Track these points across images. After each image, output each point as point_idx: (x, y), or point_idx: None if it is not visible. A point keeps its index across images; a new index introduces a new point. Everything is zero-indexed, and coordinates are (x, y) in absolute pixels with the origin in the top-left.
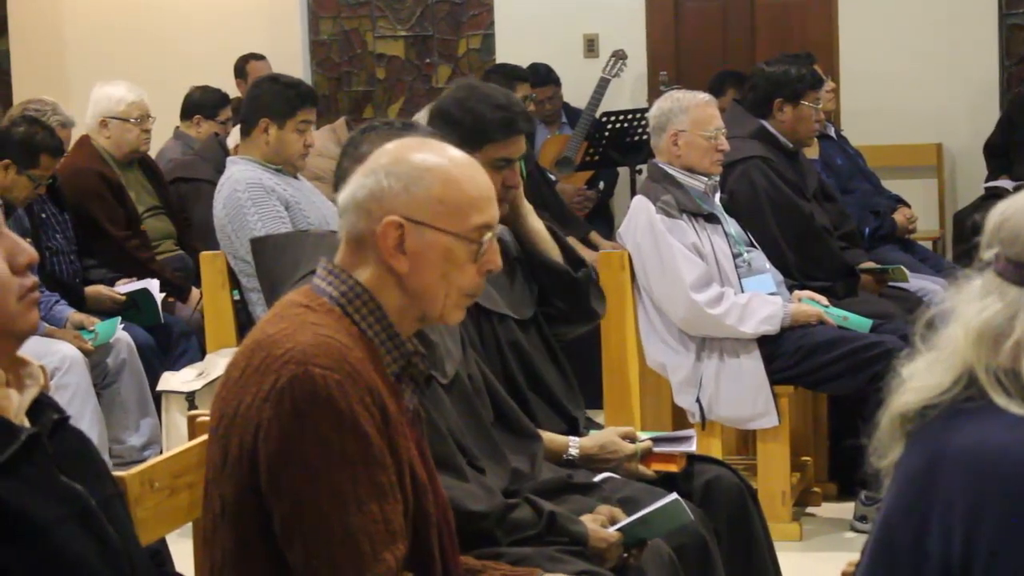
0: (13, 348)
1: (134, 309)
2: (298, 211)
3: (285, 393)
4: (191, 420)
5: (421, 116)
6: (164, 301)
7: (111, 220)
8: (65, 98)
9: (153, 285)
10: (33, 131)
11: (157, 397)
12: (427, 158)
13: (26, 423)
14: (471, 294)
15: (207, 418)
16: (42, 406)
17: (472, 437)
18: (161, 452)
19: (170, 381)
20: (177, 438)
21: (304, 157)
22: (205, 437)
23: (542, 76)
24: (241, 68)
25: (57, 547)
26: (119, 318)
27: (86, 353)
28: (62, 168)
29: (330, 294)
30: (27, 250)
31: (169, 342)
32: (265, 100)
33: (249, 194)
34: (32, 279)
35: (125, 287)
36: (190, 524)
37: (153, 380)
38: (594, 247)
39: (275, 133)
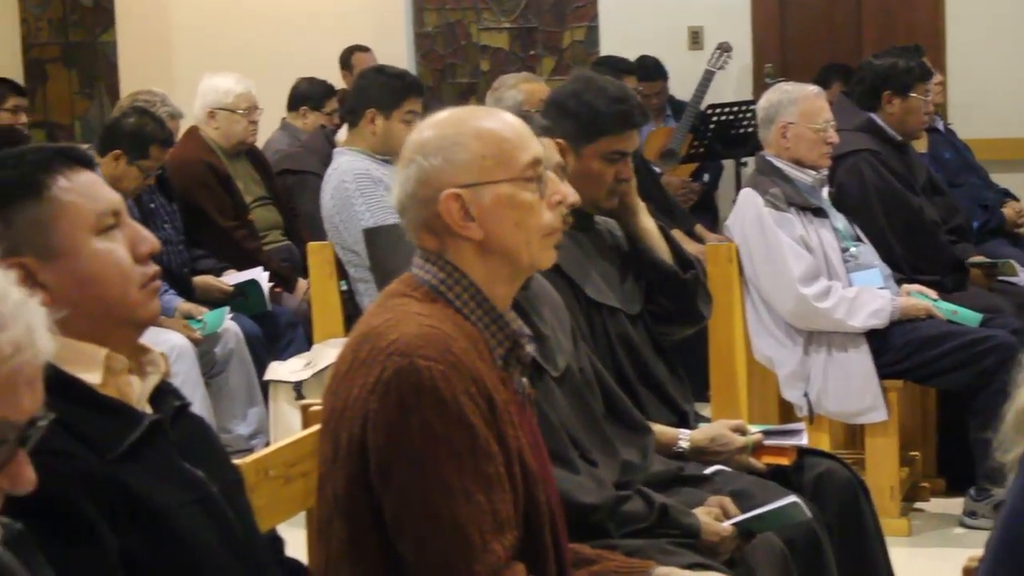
0: (135, 336)
1: (241, 297)
2: None
3: (391, 385)
4: (304, 409)
5: (510, 92)
6: (271, 291)
7: (219, 210)
8: (171, 89)
9: (260, 275)
10: (143, 122)
11: (264, 386)
12: (453, 125)
13: (148, 410)
14: (551, 232)
15: (320, 407)
16: (164, 393)
17: (583, 430)
18: (268, 441)
19: (278, 371)
20: (284, 427)
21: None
22: (318, 426)
23: (650, 70)
24: (346, 60)
25: (179, 532)
26: (227, 308)
27: (195, 342)
28: (171, 159)
29: (429, 282)
30: (149, 239)
31: (276, 332)
32: (371, 91)
33: (357, 184)
34: (154, 268)
35: (233, 278)
36: (302, 513)
37: (260, 370)
38: (699, 240)
39: (381, 124)
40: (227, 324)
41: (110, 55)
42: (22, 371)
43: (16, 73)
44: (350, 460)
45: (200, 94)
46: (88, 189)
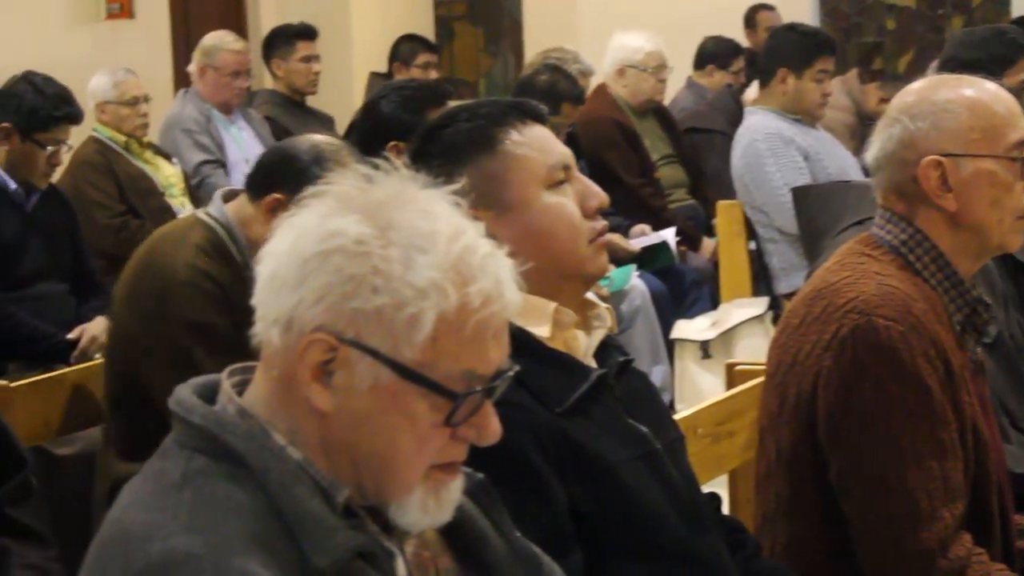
0: (582, 291)
1: (648, 255)
2: (817, 162)
3: (847, 343)
4: (729, 369)
5: (932, 68)
6: (677, 249)
7: (626, 168)
8: (574, 47)
9: (669, 234)
10: (556, 79)
11: (669, 344)
12: (946, 91)
13: (593, 364)
14: None
15: (745, 367)
16: (608, 348)
17: (1014, 398)
18: (672, 399)
19: (684, 329)
20: (690, 386)
21: (822, 107)
22: (745, 386)
23: None
24: (751, 18)
25: (624, 488)
26: (634, 265)
27: (602, 299)
28: (579, 116)
29: (890, 242)
30: (598, 194)
31: (681, 290)
32: (783, 49)
33: (768, 144)
34: (602, 223)
35: (641, 242)
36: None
37: (665, 327)
38: None
39: (793, 83)
40: (633, 281)
41: (515, 13)
42: (490, 323)
43: (427, 30)
44: (797, 415)
45: (610, 51)
46: (540, 143)
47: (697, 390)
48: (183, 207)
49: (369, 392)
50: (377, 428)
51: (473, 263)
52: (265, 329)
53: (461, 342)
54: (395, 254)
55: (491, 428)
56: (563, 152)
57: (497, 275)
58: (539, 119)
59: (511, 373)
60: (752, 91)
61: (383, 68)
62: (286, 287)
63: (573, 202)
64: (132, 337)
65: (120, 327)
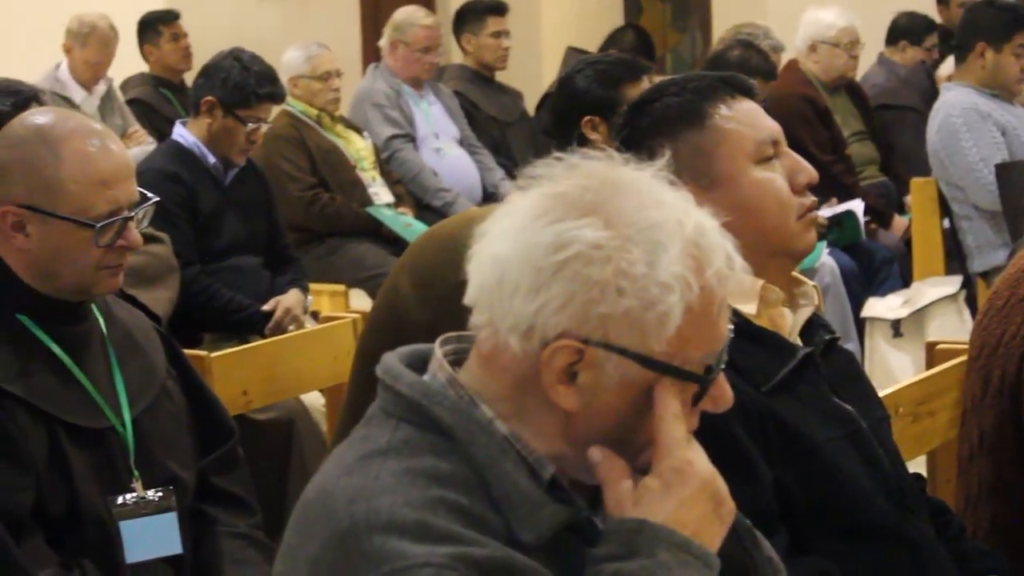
0: (790, 267)
1: (837, 227)
2: (1015, 137)
3: None
4: (930, 348)
5: None
6: (866, 226)
7: (817, 144)
8: (764, 22)
9: (857, 205)
10: (748, 55)
11: (859, 322)
12: None
13: (799, 342)
14: None
15: (946, 346)
16: (815, 326)
17: None
18: None
19: (875, 307)
20: (880, 364)
21: (1021, 82)
22: (945, 365)
23: None
24: None
25: (829, 466)
26: (823, 242)
27: None
28: (771, 92)
29: None
30: (807, 169)
31: (871, 268)
32: (982, 23)
33: (964, 119)
34: (811, 199)
35: (828, 211)
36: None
37: (854, 306)
38: None
39: (991, 57)
40: (824, 259)
41: None
42: (724, 301)
43: (615, 5)
44: (1001, 399)
45: (802, 26)
46: (749, 118)
47: (888, 369)
48: (374, 180)
49: (618, 387)
50: (627, 419)
51: (704, 245)
52: (494, 333)
53: (704, 326)
54: (636, 254)
55: (727, 395)
56: (772, 127)
57: (725, 249)
58: (748, 94)
59: (731, 335)
60: (945, 67)
61: (572, 43)
62: (520, 294)
63: (782, 177)
64: (407, 310)
65: (395, 299)
